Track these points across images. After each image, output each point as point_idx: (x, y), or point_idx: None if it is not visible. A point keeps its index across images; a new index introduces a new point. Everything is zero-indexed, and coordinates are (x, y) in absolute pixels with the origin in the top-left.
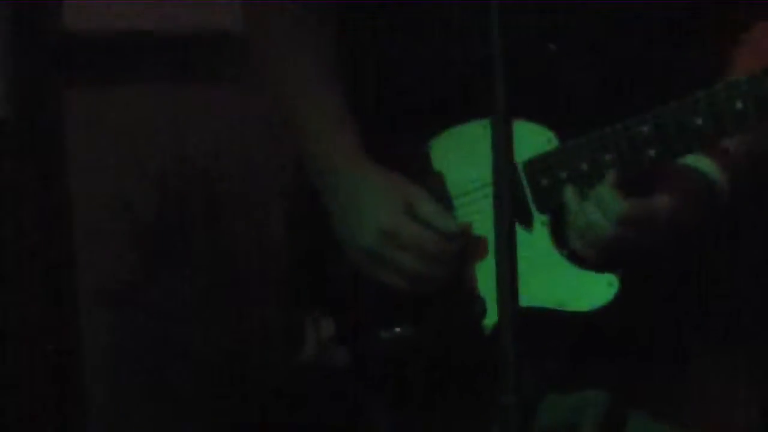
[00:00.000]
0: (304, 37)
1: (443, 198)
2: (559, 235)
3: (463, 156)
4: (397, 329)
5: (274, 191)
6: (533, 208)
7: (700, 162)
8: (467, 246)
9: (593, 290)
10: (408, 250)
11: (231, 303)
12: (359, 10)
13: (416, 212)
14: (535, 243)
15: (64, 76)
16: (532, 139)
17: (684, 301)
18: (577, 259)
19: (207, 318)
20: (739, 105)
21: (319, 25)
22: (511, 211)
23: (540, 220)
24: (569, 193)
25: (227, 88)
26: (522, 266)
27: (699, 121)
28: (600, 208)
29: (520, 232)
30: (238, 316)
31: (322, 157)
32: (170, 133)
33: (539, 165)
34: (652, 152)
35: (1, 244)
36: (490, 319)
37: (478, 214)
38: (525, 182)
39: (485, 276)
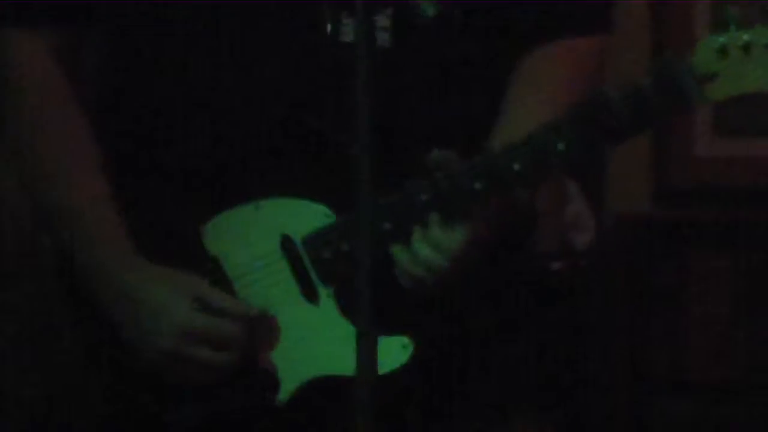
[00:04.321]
0: (59, 112)
1: (224, 282)
2: (347, 305)
3: (237, 238)
4: (188, 409)
5: None
6: (317, 281)
7: None
8: (260, 325)
9: (387, 354)
10: (207, 343)
11: None
12: (122, 85)
13: (207, 304)
14: (323, 315)
15: None
16: (307, 216)
17: (475, 361)
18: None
19: None
20: (516, 166)
21: (71, 97)
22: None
23: (325, 292)
24: (396, 247)
25: None
26: (312, 338)
27: (477, 185)
28: (434, 248)
29: (307, 306)
30: None
31: (92, 261)
32: None
33: (319, 239)
34: (434, 217)
35: None
36: (283, 393)
37: (261, 291)
38: (306, 258)
39: (278, 351)
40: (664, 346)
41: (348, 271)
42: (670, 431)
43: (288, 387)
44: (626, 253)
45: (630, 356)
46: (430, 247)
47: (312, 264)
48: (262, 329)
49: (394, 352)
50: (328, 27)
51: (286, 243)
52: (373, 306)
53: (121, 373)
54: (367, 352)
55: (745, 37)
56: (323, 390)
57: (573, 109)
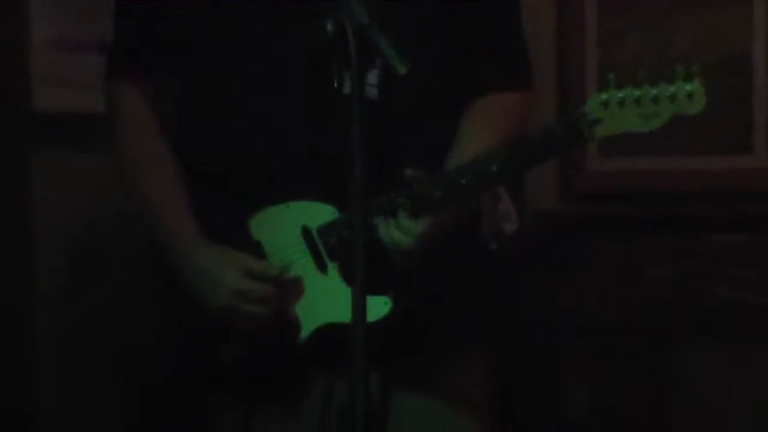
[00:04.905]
0: (149, 142)
1: (264, 259)
2: (347, 275)
3: (273, 228)
4: (236, 348)
5: None
6: (327, 258)
7: None
8: (290, 286)
9: (374, 308)
10: (251, 300)
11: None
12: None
13: (253, 271)
14: (331, 281)
15: (32, 146)
16: (321, 213)
17: (437, 313)
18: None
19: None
20: (463, 181)
21: (157, 129)
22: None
23: (332, 266)
24: (380, 226)
25: None
26: (323, 297)
27: (438, 194)
28: (403, 231)
29: (320, 275)
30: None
31: (170, 242)
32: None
33: (328, 230)
34: (404, 211)
35: None
36: (304, 333)
37: (291, 267)
38: (319, 242)
39: (299, 306)
40: (567, 304)
41: (348, 251)
42: (573, 362)
43: (307, 330)
44: (539, 239)
45: (543, 310)
46: (401, 232)
47: (323, 246)
48: (289, 289)
49: (378, 306)
50: (335, 83)
51: (306, 232)
52: (364, 274)
53: (193, 325)
54: (359, 306)
55: (620, 95)
56: (330, 332)
57: (505, 143)
